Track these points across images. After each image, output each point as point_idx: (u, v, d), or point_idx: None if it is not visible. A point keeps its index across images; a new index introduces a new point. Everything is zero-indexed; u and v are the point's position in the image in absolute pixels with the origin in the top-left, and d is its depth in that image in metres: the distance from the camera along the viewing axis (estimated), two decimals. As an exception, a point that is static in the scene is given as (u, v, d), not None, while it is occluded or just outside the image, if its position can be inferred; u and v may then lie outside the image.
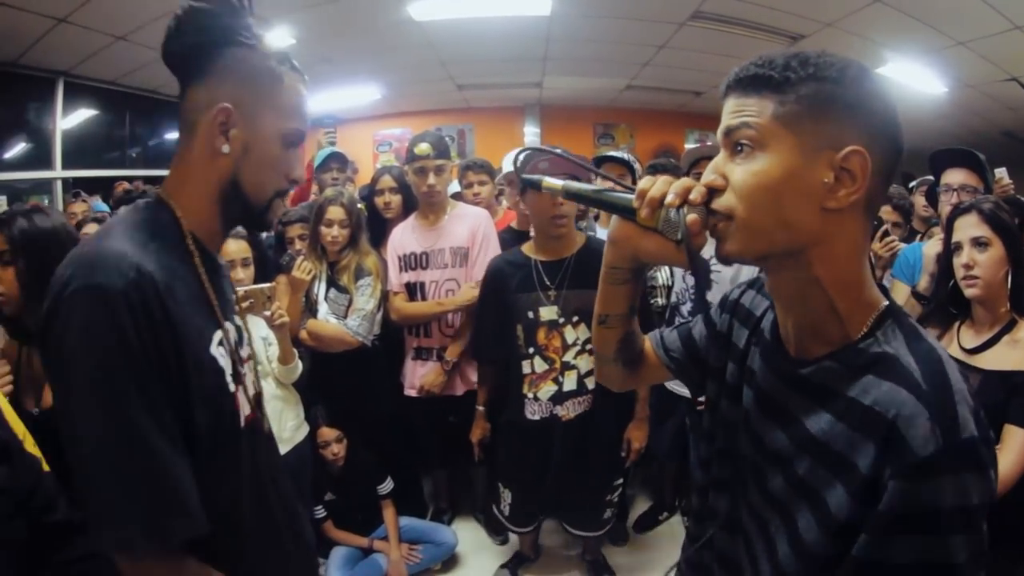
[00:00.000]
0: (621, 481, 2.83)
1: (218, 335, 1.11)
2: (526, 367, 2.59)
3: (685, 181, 0.92)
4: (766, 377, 1.00)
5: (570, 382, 2.56)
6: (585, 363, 2.55)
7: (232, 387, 1.12)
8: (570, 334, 2.54)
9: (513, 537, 3.36)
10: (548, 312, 2.53)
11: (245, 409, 1.17)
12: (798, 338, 0.94)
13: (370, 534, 3.15)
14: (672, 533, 3.46)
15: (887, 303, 0.90)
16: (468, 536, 3.42)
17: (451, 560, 3.26)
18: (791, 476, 0.90)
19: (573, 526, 2.89)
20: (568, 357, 2.55)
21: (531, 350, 2.57)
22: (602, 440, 2.67)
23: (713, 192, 0.89)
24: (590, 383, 2.56)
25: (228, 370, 1.11)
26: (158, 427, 0.94)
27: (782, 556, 0.91)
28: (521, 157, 2.36)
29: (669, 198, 0.91)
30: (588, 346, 2.52)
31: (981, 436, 0.76)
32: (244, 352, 1.25)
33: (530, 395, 2.60)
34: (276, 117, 1.13)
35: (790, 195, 0.83)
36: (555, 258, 2.57)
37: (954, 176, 2.80)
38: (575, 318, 2.52)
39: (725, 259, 0.92)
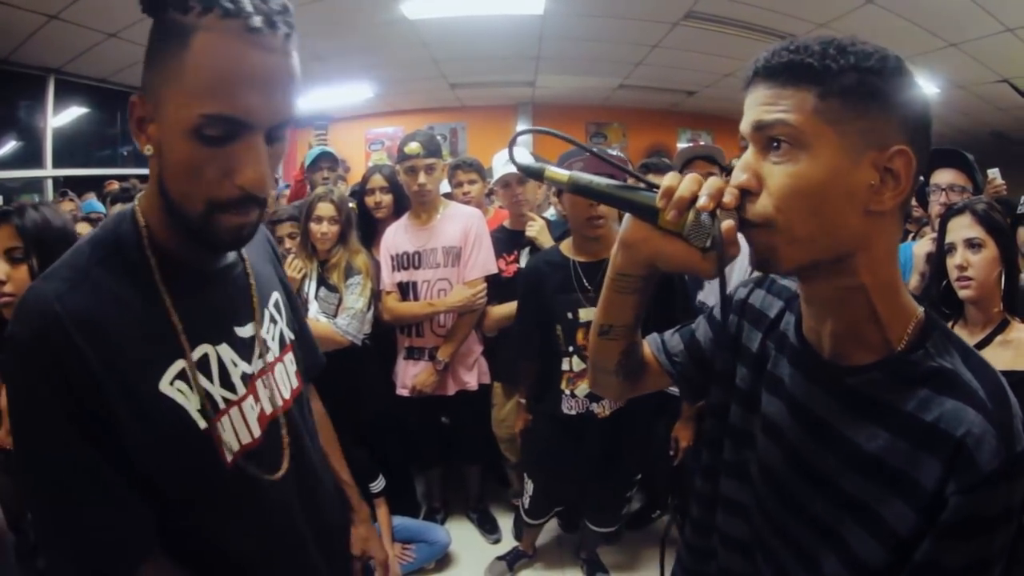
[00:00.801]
0: (640, 477, 2.86)
1: (176, 367, 0.93)
2: (565, 365, 2.58)
3: (716, 181, 0.82)
4: (801, 387, 0.92)
5: None
6: None
7: (203, 424, 0.95)
8: None
9: (507, 536, 3.36)
10: (587, 314, 2.50)
11: (233, 444, 0.99)
12: (835, 344, 0.87)
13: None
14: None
15: (923, 311, 0.86)
16: (461, 535, 3.40)
17: (444, 559, 3.25)
18: (837, 494, 0.85)
19: (592, 521, 2.91)
20: None
21: (570, 348, 2.56)
22: (632, 438, 2.66)
23: (745, 195, 0.81)
24: None
25: (194, 406, 0.94)
26: (80, 473, 0.87)
27: (828, 572, 0.87)
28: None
29: (702, 201, 0.80)
30: None
31: None
32: (257, 365, 1.08)
33: (567, 392, 2.60)
34: (182, 100, 0.80)
35: (835, 200, 0.77)
36: (594, 259, 2.52)
37: (943, 176, 2.81)
38: None
39: (762, 268, 0.86)
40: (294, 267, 2.90)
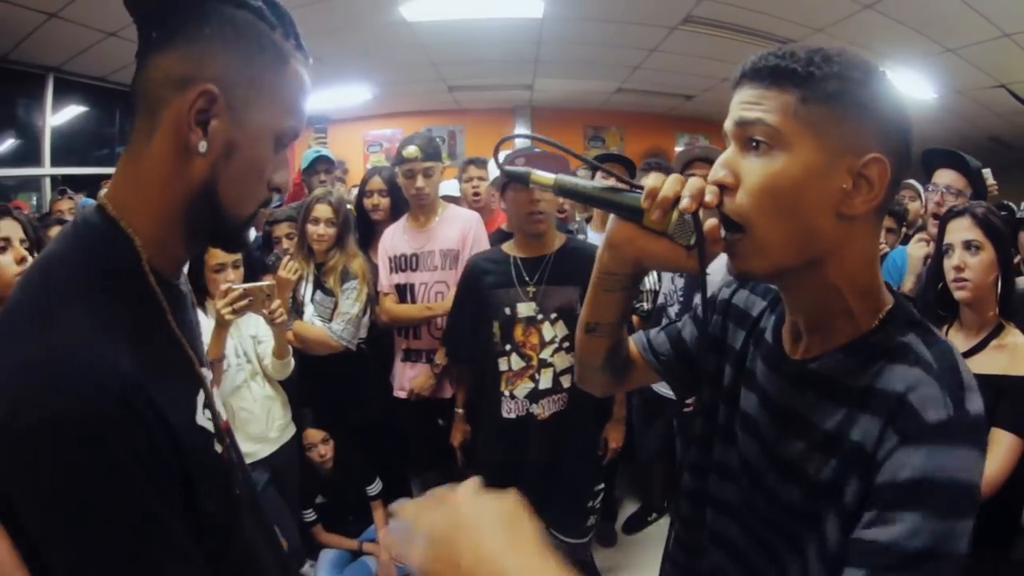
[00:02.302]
0: (602, 487, 2.79)
1: (202, 397, 0.90)
2: (503, 364, 2.55)
3: (697, 181, 0.84)
4: (770, 380, 0.95)
5: (546, 380, 2.51)
6: (561, 361, 2.51)
7: (219, 448, 0.92)
8: (548, 331, 2.50)
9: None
10: (526, 308, 2.50)
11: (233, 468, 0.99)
12: (810, 334, 0.90)
13: (359, 536, 3.14)
14: (661, 535, 3.43)
15: (895, 301, 0.88)
16: (457, 538, 3.39)
17: (440, 562, 3.24)
18: (810, 482, 0.86)
19: (556, 530, 2.85)
20: (545, 355, 2.51)
21: (508, 347, 2.53)
22: (578, 442, 2.63)
23: (723, 191, 0.84)
24: (565, 381, 2.52)
25: (213, 430, 0.91)
26: (183, 559, 0.77)
27: (811, 563, 0.86)
28: (501, 157, 2.35)
29: (684, 202, 0.83)
30: (565, 343, 2.49)
31: (985, 418, 0.77)
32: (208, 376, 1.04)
33: (507, 393, 2.55)
34: (275, 110, 0.87)
35: (808, 199, 0.79)
36: (535, 255, 2.54)
37: (942, 176, 2.82)
38: (553, 315, 2.49)
39: (740, 276, 0.88)
40: (290, 268, 2.88)
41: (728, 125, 0.85)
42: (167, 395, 0.79)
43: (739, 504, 1.02)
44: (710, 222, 0.83)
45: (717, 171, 0.85)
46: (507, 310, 2.52)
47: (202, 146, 0.81)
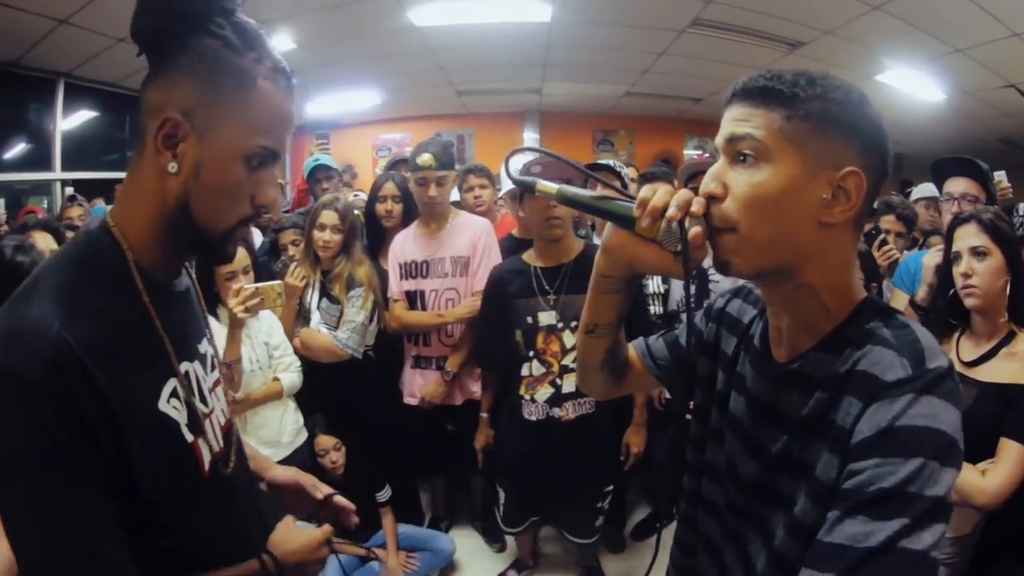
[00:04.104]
0: (611, 488, 2.82)
1: (170, 385, 0.97)
2: (524, 370, 2.61)
3: (685, 193, 0.91)
4: (756, 383, 1.02)
5: (569, 384, 2.56)
6: None
7: (190, 437, 0.99)
8: (569, 338, 2.54)
9: (511, 544, 3.35)
10: (547, 317, 2.55)
11: (207, 454, 1.03)
12: (791, 335, 0.96)
13: (367, 541, 3.14)
14: (670, 541, 3.44)
15: (865, 295, 0.94)
16: (466, 544, 3.40)
17: (449, 568, 3.26)
18: (793, 469, 0.91)
19: (567, 531, 2.88)
20: (567, 361, 2.55)
21: (530, 354, 2.59)
22: (598, 444, 2.68)
23: (712, 201, 0.90)
24: None
25: (184, 420, 0.98)
26: (94, 518, 0.84)
27: (778, 543, 0.91)
28: (513, 160, 2.37)
29: (671, 211, 0.89)
30: None
31: (948, 368, 0.81)
32: (211, 380, 1.13)
33: (527, 397, 2.61)
34: (239, 132, 0.92)
35: (790, 207, 0.85)
36: (554, 264, 2.58)
37: (955, 185, 2.80)
38: (573, 323, 2.52)
39: (723, 271, 0.92)
40: (297, 275, 2.89)
41: (719, 140, 0.91)
42: (121, 376, 0.87)
43: (722, 504, 1.08)
44: (694, 230, 0.90)
45: (707, 183, 0.91)
46: (529, 319, 2.57)
47: (172, 167, 0.90)
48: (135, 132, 0.94)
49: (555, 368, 2.57)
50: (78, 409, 0.81)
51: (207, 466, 1.03)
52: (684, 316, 2.94)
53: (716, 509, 1.10)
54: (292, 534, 1.22)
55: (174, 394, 0.97)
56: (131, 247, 0.94)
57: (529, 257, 2.66)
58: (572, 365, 2.52)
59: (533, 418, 2.61)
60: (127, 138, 7.07)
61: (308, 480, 1.41)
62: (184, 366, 1.02)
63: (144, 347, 0.95)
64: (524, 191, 1.06)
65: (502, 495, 2.84)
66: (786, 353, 0.97)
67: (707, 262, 0.95)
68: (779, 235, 0.86)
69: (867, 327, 0.88)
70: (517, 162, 2.32)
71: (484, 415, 2.95)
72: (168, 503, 0.94)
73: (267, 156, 0.95)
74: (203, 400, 1.07)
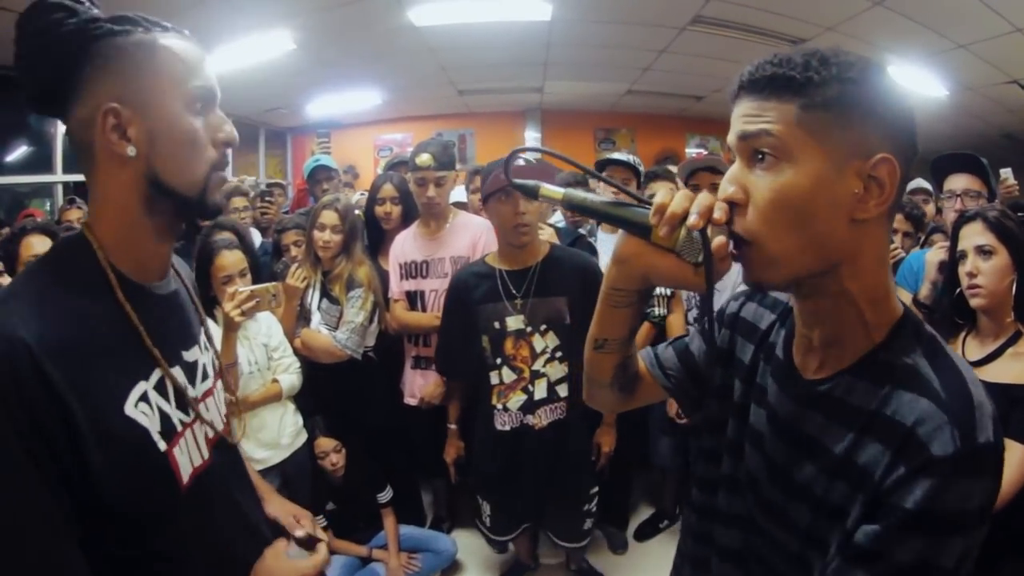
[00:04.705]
0: (597, 489, 2.78)
1: (140, 389, 0.95)
2: (494, 378, 2.54)
3: (706, 198, 0.83)
4: (780, 400, 0.95)
5: (541, 390, 2.51)
6: (555, 370, 2.50)
7: (163, 445, 0.96)
8: (538, 343, 2.49)
9: (512, 545, 3.34)
10: (515, 322, 2.49)
11: (187, 466, 1.01)
12: (823, 346, 0.89)
13: (369, 543, 3.13)
14: (672, 542, 3.43)
15: (903, 311, 0.87)
16: (467, 544, 3.39)
17: (450, 568, 3.26)
18: (817, 503, 0.86)
19: (557, 536, 2.84)
20: (537, 366, 2.50)
21: (498, 360, 2.52)
22: (575, 448, 2.63)
23: (733, 208, 0.83)
24: (562, 390, 2.51)
25: (155, 427, 0.96)
26: (39, 518, 0.82)
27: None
28: (521, 161, 2.35)
29: (691, 219, 0.82)
30: (557, 354, 2.49)
31: (996, 443, 0.76)
32: (201, 389, 1.11)
33: (499, 406, 2.54)
34: (169, 86, 0.95)
35: (820, 209, 0.78)
36: (520, 267, 2.51)
37: (957, 181, 2.78)
38: (543, 326, 2.48)
39: (757, 287, 0.88)
40: (297, 276, 2.89)
41: (731, 139, 0.84)
42: (82, 375, 0.86)
43: (747, 518, 1.01)
44: (718, 240, 0.82)
45: (726, 188, 0.83)
46: (496, 324, 2.51)
47: (130, 151, 0.93)
48: (80, 161, 0.98)
49: (526, 374, 2.51)
50: (28, 404, 0.80)
51: (186, 478, 1.00)
52: (688, 315, 2.96)
53: (743, 523, 1.03)
54: (279, 565, 1.18)
55: (143, 399, 0.95)
56: (105, 248, 0.96)
57: (493, 260, 2.60)
58: (543, 370, 2.50)
59: (507, 428, 2.55)
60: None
61: (286, 519, 1.37)
62: (161, 371, 1.00)
63: (113, 348, 0.93)
64: (526, 195, 0.99)
65: (486, 507, 2.77)
66: (815, 365, 0.90)
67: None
68: (810, 242, 0.79)
69: (909, 361, 0.81)
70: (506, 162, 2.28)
71: (453, 427, 2.90)
72: (143, 523, 0.93)
73: (206, 94, 0.99)
74: (183, 408, 1.04)
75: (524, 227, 2.41)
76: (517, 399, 2.52)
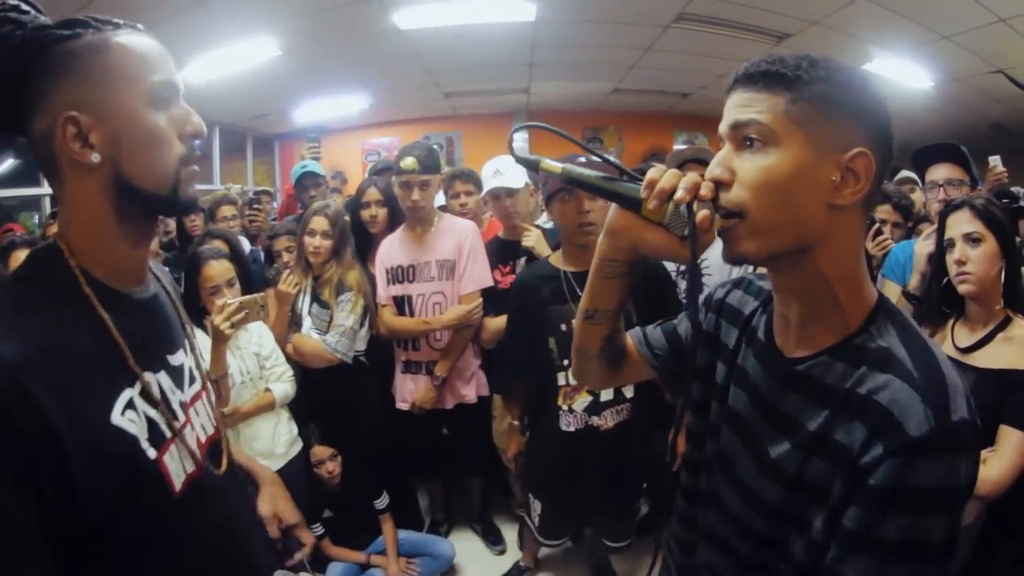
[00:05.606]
0: (645, 487, 2.79)
1: (125, 397, 0.92)
2: (560, 379, 2.50)
3: (694, 176, 0.91)
4: (762, 379, 1.00)
5: (607, 392, 2.46)
6: None
7: (153, 453, 0.94)
8: None
9: (511, 547, 3.33)
10: None
11: (179, 473, 0.99)
12: (800, 324, 0.95)
13: (367, 549, 3.12)
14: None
15: (878, 297, 0.93)
16: (466, 547, 3.39)
17: (449, 572, 3.25)
18: (795, 480, 0.91)
19: (606, 537, 2.83)
20: None
21: (565, 363, 2.46)
22: (636, 450, 2.57)
23: (719, 187, 0.89)
24: (628, 391, 2.48)
25: (144, 435, 0.93)
26: (25, 548, 0.79)
27: (797, 558, 0.92)
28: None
29: (679, 194, 0.89)
30: None
31: (971, 420, 0.80)
32: (189, 393, 1.09)
33: (565, 407, 2.50)
34: (127, 85, 0.93)
35: (800, 191, 0.85)
36: (585, 268, 2.44)
37: (938, 172, 2.79)
38: None
39: (735, 260, 0.92)
40: (289, 282, 2.90)
41: (723, 128, 0.91)
42: (67, 389, 0.83)
43: (723, 499, 1.06)
44: (702, 212, 0.88)
45: (713, 169, 0.90)
46: (563, 326, 2.44)
47: (95, 157, 0.91)
48: (45, 174, 0.96)
49: None
50: (8, 430, 0.77)
51: (179, 485, 0.98)
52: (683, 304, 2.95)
53: (716, 503, 1.08)
54: None
55: (130, 406, 0.92)
56: (78, 256, 0.94)
57: (557, 261, 2.54)
58: None
59: (571, 428, 2.50)
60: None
61: (268, 516, 1.37)
62: (146, 376, 0.98)
63: (95, 357, 0.91)
64: (527, 168, 1.05)
65: (538, 506, 2.73)
66: (794, 344, 0.96)
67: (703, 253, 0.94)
68: (789, 218, 0.86)
69: (884, 344, 0.87)
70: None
71: (515, 423, 2.85)
72: (135, 535, 0.90)
73: (168, 89, 0.97)
74: (171, 414, 1.01)
75: (589, 226, 2.33)
76: (583, 400, 2.48)
